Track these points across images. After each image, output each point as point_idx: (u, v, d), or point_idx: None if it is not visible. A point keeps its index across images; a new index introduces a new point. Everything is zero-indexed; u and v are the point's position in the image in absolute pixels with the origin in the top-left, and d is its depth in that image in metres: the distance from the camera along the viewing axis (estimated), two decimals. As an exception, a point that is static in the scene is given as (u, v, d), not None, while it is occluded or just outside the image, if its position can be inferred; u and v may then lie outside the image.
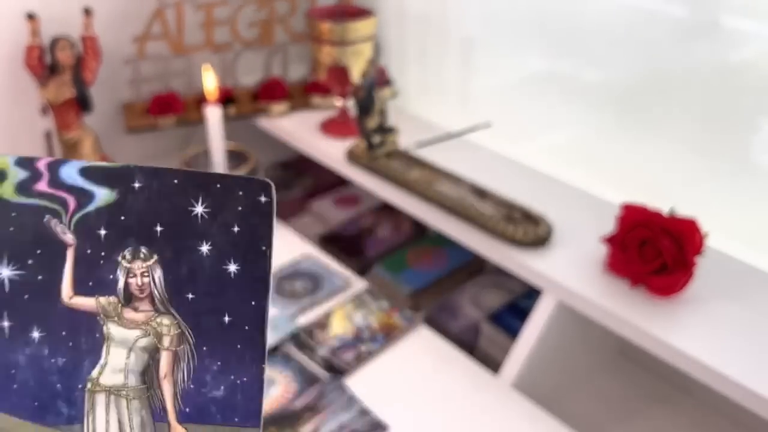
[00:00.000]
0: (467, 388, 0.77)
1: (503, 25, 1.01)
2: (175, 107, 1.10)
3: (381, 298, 0.90)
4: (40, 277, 0.32)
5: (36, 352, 0.33)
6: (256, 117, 1.15)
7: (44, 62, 0.97)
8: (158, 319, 0.33)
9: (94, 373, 0.33)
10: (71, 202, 0.33)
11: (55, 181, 0.33)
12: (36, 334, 0.32)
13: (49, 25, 0.98)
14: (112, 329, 0.33)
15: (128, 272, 0.33)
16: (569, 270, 0.77)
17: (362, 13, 1.03)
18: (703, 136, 0.81)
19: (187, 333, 0.32)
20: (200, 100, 1.14)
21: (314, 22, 0.99)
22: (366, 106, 0.94)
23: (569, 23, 0.91)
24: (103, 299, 0.33)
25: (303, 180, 1.30)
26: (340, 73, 1.02)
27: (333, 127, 1.08)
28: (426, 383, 0.78)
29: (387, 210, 1.21)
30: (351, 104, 1.07)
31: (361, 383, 0.77)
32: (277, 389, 0.76)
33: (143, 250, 0.33)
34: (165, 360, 0.33)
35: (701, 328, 0.69)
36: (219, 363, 0.32)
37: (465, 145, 1.02)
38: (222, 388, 0.32)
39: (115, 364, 0.33)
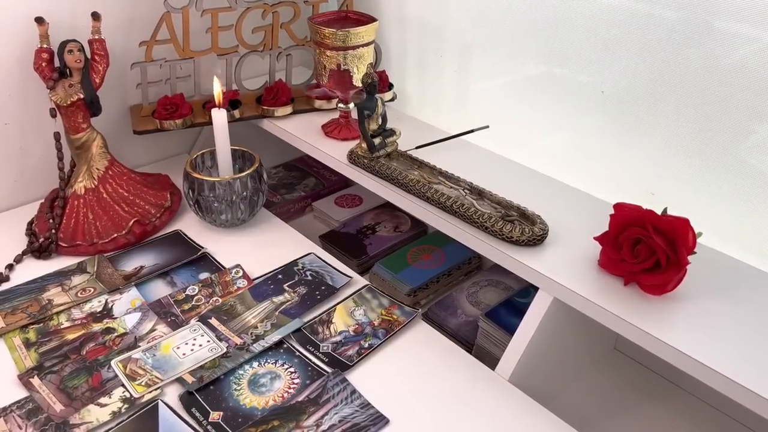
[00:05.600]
0: (466, 382, 0.78)
1: (500, 31, 1.01)
2: (181, 110, 1.11)
3: (382, 295, 0.91)
4: None
5: None
6: (261, 119, 1.16)
7: (53, 65, 0.97)
8: None
9: None
10: None
11: None
12: None
13: (58, 29, 0.98)
14: None
15: None
16: (565, 268, 0.77)
17: (363, 19, 1.05)
18: (695, 137, 0.82)
19: None
20: (206, 102, 1.16)
21: (317, 28, 1.01)
22: (367, 109, 0.94)
23: (564, 28, 0.92)
24: None
25: (305, 180, 1.32)
26: (341, 77, 1.03)
27: (335, 130, 1.08)
28: (426, 378, 0.79)
29: (387, 209, 1.22)
30: (352, 107, 1.09)
31: (363, 377, 0.78)
32: (281, 383, 0.77)
33: None
34: None
35: (693, 324, 0.69)
36: None
37: (463, 147, 1.03)
38: None
39: None
